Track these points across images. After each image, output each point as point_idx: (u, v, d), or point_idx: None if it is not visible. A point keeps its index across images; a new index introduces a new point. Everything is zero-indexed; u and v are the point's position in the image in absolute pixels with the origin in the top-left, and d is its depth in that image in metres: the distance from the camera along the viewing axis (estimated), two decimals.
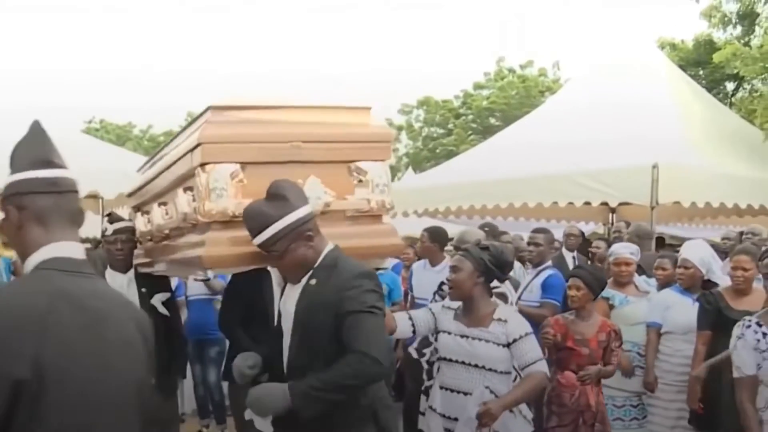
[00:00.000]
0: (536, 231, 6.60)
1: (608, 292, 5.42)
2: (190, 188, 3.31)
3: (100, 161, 8.68)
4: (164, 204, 3.79)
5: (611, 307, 5.44)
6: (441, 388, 3.96)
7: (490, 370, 3.86)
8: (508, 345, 3.85)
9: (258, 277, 3.31)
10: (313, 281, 3.03)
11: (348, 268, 3.02)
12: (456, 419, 3.78)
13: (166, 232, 3.80)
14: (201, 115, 3.41)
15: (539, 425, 6.08)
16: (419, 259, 7.23)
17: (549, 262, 6.52)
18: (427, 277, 6.51)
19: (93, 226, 12.69)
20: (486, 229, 7.15)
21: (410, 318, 4.04)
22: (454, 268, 4.01)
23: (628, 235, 7.34)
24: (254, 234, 3.01)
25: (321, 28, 70.80)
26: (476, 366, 3.86)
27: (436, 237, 6.63)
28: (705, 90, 12.70)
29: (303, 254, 3.02)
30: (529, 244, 6.50)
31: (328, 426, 2.95)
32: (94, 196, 9.32)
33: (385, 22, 73.44)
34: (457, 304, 4.04)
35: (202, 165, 3.18)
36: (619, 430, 5.21)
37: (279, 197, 3.02)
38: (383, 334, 3.02)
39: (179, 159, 3.46)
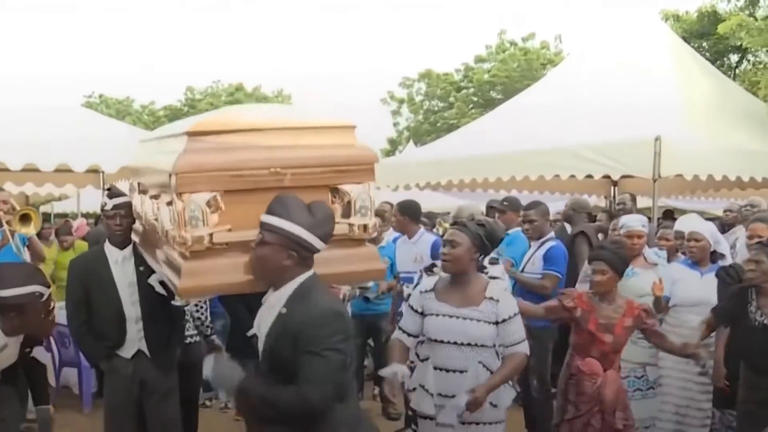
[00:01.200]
0: (528, 207, 6.45)
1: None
2: (171, 203, 3.24)
3: (101, 135, 8.67)
4: (155, 198, 3.70)
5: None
6: (435, 368, 3.96)
7: (482, 346, 3.93)
8: (496, 323, 3.92)
9: None
10: (284, 310, 3.03)
11: (316, 303, 3.01)
12: (451, 396, 3.84)
13: (156, 229, 3.70)
14: (179, 135, 3.32)
15: (527, 403, 6.15)
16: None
17: (551, 233, 6.50)
18: (405, 250, 6.56)
19: (94, 200, 12.75)
20: (505, 203, 7.14)
21: (406, 345, 4.12)
22: (452, 243, 4.00)
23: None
24: (268, 212, 3.03)
25: (320, 28, 70.31)
26: (469, 345, 3.91)
27: (406, 210, 6.79)
28: (709, 62, 12.61)
29: (272, 260, 3.02)
30: (523, 221, 6.41)
31: None
32: (95, 171, 9.30)
33: (384, 22, 72.97)
34: (433, 284, 4.08)
35: (179, 194, 3.12)
36: (644, 348, 5.22)
37: (311, 212, 3.05)
38: (331, 377, 2.95)
39: (162, 170, 3.36)
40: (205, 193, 3.12)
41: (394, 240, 7.50)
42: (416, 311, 4.05)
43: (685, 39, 14.27)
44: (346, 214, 3.35)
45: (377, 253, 3.54)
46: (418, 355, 4.27)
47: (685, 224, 5.66)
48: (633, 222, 5.70)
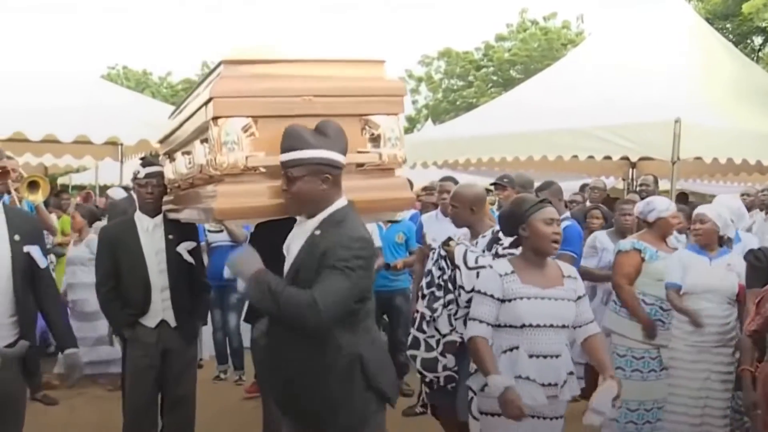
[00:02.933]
0: (540, 188, 6.46)
1: (641, 244, 5.37)
2: (207, 140, 3.38)
3: (120, 108, 8.68)
4: (188, 153, 3.85)
5: (643, 259, 5.41)
6: (531, 356, 3.63)
7: (569, 327, 3.75)
8: (575, 301, 3.76)
9: (283, 225, 3.36)
10: (318, 232, 3.13)
11: (351, 228, 3.12)
12: (555, 384, 3.64)
13: (189, 181, 3.87)
14: (215, 68, 3.46)
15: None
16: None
17: (567, 213, 6.49)
18: (440, 227, 6.54)
19: (112, 172, 12.80)
20: (505, 180, 7.15)
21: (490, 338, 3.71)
22: (559, 223, 3.85)
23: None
24: (283, 150, 3.12)
25: (321, 28, 69.77)
26: (562, 326, 3.70)
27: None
28: (732, 44, 12.47)
29: (311, 190, 3.12)
30: None
31: (312, 374, 3.13)
32: (113, 143, 9.33)
33: (385, 22, 72.45)
34: (512, 267, 3.72)
35: (215, 119, 3.24)
36: (637, 381, 5.23)
37: (322, 133, 3.16)
38: (343, 297, 3.03)
39: (197, 111, 3.53)
40: (240, 118, 3.25)
41: (411, 218, 7.50)
42: (494, 297, 3.66)
43: (708, 20, 14.11)
44: (376, 144, 3.47)
45: (407, 183, 3.62)
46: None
47: (701, 207, 5.60)
48: (672, 204, 5.65)
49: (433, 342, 4.47)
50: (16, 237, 3.59)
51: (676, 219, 5.56)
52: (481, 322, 3.65)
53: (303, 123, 3.24)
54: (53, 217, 8.68)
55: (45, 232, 7.53)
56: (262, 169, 3.32)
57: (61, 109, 7.93)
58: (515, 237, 3.80)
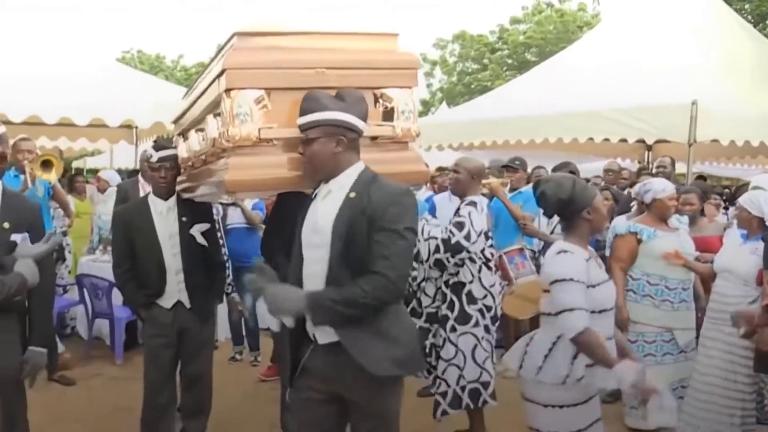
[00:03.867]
0: (557, 168, 6.52)
1: (637, 226, 5.43)
2: (219, 114, 3.36)
3: (134, 90, 8.70)
4: (201, 130, 3.83)
5: (639, 241, 5.42)
6: (608, 339, 3.53)
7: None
8: None
9: (303, 204, 3.34)
10: (353, 194, 3.06)
11: (388, 184, 3.07)
12: None
13: (202, 158, 3.85)
14: (228, 41, 3.42)
15: None
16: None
17: None
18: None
19: (127, 155, 12.85)
20: (517, 162, 7.21)
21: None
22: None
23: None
24: (302, 113, 3.08)
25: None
26: (612, 308, 3.63)
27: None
28: (750, 25, 12.35)
29: (325, 152, 3.06)
30: None
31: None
32: (128, 126, 9.35)
33: (399, 5, 72.05)
34: (586, 254, 3.58)
35: (227, 91, 3.22)
36: (651, 366, 5.21)
37: (341, 98, 3.12)
38: (409, 258, 3.05)
39: (210, 85, 3.51)
40: (253, 90, 3.22)
41: (427, 200, 7.50)
42: (584, 283, 3.47)
43: (726, 0, 13.97)
44: (389, 117, 3.44)
45: (420, 156, 3.57)
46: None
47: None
48: (671, 185, 5.63)
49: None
50: (6, 225, 3.52)
51: (673, 201, 5.52)
52: (582, 310, 3.37)
53: None
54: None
55: (61, 213, 7.61)
56: (275, 142, 3.29)
57: (76, 92, 7.96)
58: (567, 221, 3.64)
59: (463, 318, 5.03)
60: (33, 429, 3.77)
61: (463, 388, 5.06)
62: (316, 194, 3.18)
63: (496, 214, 6.12)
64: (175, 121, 4.69)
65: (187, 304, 4.71)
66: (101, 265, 7.36)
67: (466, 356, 5.03)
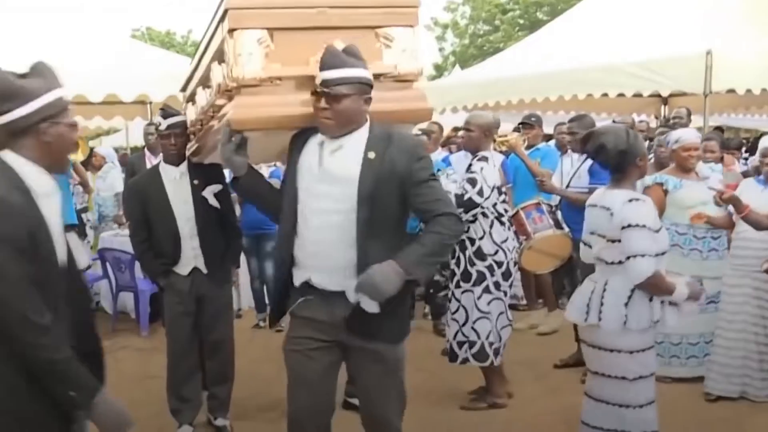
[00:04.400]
0: (573, 120, 6.48)
1: (662, 177, 5.43)
2: (224, 60, 3.40)
3: (148, 66, 8.70)
4: (208, 87, 3.86)
5: (665, 192, 5.42)
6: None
7: None
8: None
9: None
10: (372, 154, 3.15)
11: (404, 138, 3.25)
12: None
13: (210, 113, 3.86)
14: None
15: None
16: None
17: None
18: None
19: (141, 131, 12.87)
20: (533, 119, 7.29)
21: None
22: None
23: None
24: (327, 68, 3.12)
25: None
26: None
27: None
28: None
29: (356, 109, 3.16)
30: (567, 133, 6.47)
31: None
32: (142, 102, 9.37)
33: None
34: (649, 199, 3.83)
35: (231, 31, 3.26)
36: (696, 261, 5.27)
37: (356, 56, 3.18)
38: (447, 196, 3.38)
39: (214, 33, 3.56)
40: (255, 30, 3.27)
41: (444, 159, 7.50)
42: (652, 229, 3.64)
43: None
44: (391, 55, 3.47)
45: (424, 94, 3.60)
46: None
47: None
48: (688, 135, 5.62)
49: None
50: None
51: (690, 151, 5.49)
52: (650, 256, 3.54)
53: (318, 35, 3.29)
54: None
55: (80, 189, 7.68)
56: (279, 81, 3.33)
57: (90, 69, 7.97)
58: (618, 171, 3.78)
59: (466, 276, 5.15)
60: None
61: (460, 344, 5.23)
62: (321, 142, 3.23)
63: (513, 171, 6.14)
64: (184, 89, 4.73)
65: (204, 270, 4.78)
66: (123, 239, 7.44)
67: (468, 313, 5.16)
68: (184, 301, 4.80)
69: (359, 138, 3.19)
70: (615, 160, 3.72)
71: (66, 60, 7.82)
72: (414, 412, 3.70)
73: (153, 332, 7.33)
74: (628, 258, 3.52)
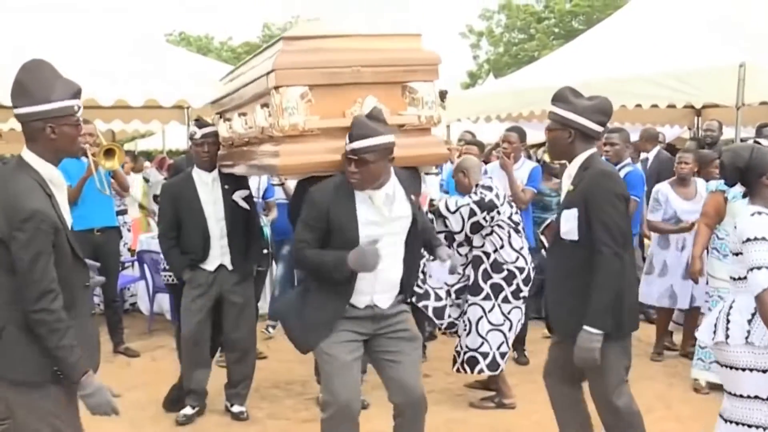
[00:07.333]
0: (612, 131, 6.64)
1: (725, 185, 5.44)
2: (266, 105, 3.94)
3: (186, 71, 8.85)
4: (244, 114, 4.37)
5: (726, 200, 5.48)
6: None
7: None
8: None
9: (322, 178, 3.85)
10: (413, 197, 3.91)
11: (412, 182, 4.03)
12: None
13: (246, 139, 4.42)
14: (274, 43, 4.04)
15: None
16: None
17: (629, 159, 6.68)
18: (502, 175, 6.64)
19: (179, 136, 13.06)
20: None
21: None
22: None
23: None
24: (356, 138, 3.61)
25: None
26: None
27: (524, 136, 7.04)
28: None
29: (381, 169, 3.67)
30: (605, 144, 6.54)
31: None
32: (179, 107, 9.51)
33: None
34: None
35: (276, 87, 3.79)
36: None
37: (380, 121, 3.70)
38: None
39: (257, 79, 4.06)
40: (298, 86, 3.81)
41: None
42: None
43: None
44: (415, 107, 4.04)
45: (441, 140, 4.20)
46: None
47: None
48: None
49: (442, 293, 5.37)
50: None
51: None
52: (766, 269, 3.39)
53: (352, 90, 3.88)
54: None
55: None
56: (317, 131, 3.85)
57: (130, 73, 8.15)
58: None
59: (475, 289, 5.39)
60: None
61: (458, 353, 5.49)
62: (369, 197, 3.73)
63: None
64: (214, 102, 5.26)
65: (230, 267, 5.19)
66: None
67: (471, 326, 5.38)
68: (205, 293, 5.17)
69: (393, 182, 3.78)
70: (734, 177, 3.73)
71: (106, 65, 8.05)
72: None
73: None
74: (749, 271, 3.45)
